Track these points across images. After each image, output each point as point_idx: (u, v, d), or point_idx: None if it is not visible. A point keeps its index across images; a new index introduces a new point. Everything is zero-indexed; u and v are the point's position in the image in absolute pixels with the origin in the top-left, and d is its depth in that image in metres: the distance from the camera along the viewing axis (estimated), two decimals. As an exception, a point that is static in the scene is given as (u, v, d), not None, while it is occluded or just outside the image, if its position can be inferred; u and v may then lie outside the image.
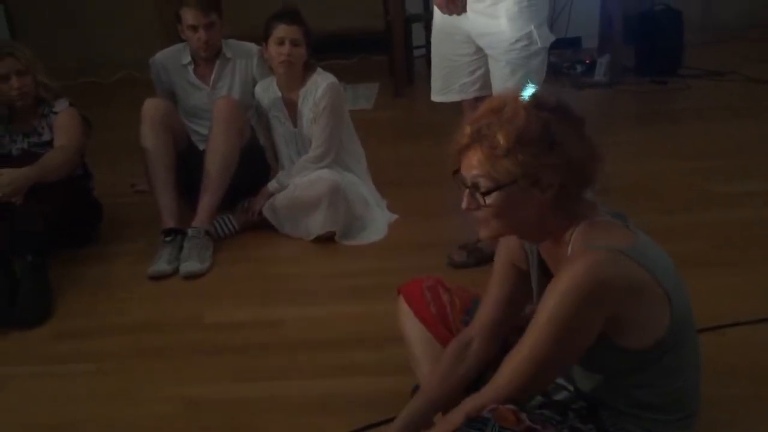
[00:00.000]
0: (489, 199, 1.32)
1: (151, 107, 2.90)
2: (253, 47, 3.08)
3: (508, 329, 1.56)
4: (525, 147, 1.27)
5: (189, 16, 2.94)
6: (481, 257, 2.57)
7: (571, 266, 1.27)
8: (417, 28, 4.86)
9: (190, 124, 3.10)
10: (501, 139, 1.28)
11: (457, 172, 1.37)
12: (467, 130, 1.33)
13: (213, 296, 2.56)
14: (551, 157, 1.28)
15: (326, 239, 2.82)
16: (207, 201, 2.82)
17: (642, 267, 1.28)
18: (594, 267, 1.25)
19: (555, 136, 1.29)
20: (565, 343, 1.29)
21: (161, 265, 2.64)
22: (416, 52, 4.91)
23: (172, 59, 3.11)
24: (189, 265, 2.64)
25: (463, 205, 1.36)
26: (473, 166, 1.32)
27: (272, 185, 2.94)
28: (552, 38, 2.33)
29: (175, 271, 2.65)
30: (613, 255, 1.27)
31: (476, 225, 1.38)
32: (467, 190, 1.34)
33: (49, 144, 2.77)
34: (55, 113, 2.80)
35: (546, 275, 1.45)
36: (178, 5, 3.00)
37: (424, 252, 2.69)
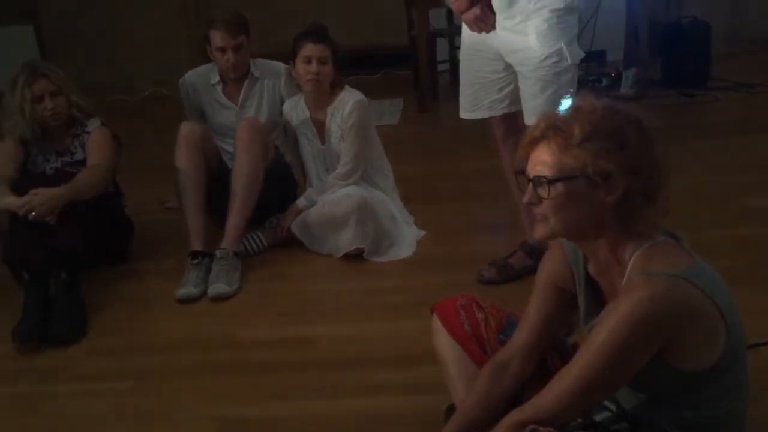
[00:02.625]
0: (553, 191, 1.31)
1: (188, 131, 2.93)
2: (281, 66, 3.11)
3: (546, 350, 1.56)
4: (597, 140, 1.29)
5: (218, 38, 2.97)
6: (511, 274, 2.56)
7: (633, 294, 1.26)
8: (441, 43, 4.87)
9: (219, 143, 3.13)
10: (576, 129, 1.30)
11: (521, 173, 1.38)
12: (542, 123, 1.34)
13: (244, 314, 2.57)
14: (620, 157, 1.29)
15: (355, 256, 2.83)
16: (234, 222, 2.83)
17: (701, 291, 1.27)
18: (656, 297, 1.24)
19: (628, 139, 1.30)
20: (617, 369, 1.28)
21: (189, 288, 2.65)
22: (440, 67, 4.92)
23: (201, 79, 3.15)
24: (217, 288, 2.65)
25: (525, 198, 1.37)
26: (542, 158, 1.33)
27: (301, 202, 2.96)
28: (582, 54, 2.33)
29: (203, 294, 2.65)
30: (674, 282, 1.27)
31: (535, 223, 1.39)
32: (530, 184, 1.35)
33: (82, 163, 2.81)
34: (88, 133, 2.84)
35: (595, 296, 1.44)
36: (207, 27, 3.04)
37: (454, 268, 2.68)
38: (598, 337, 1.27)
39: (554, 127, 1.32)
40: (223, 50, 2.98)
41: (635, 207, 1.31)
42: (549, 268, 1.52)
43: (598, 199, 1.31)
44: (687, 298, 1.26)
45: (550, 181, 1.31)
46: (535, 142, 1.35)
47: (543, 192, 1.32)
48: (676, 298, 1.26)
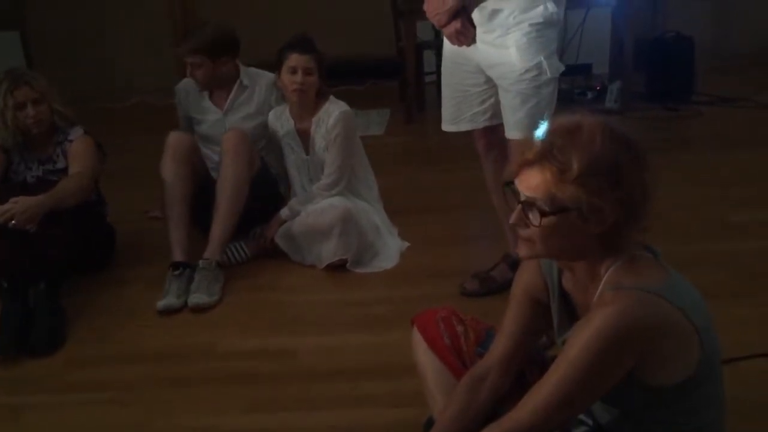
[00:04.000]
0: (544, 221, 1.29)
1: (175, 141, 2.93)
2: (271, 76, 3.10)
3: (524, 362, 1.56)
4: (594, 177, 1.26)
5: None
6: (494, 286, 2.57)
7: (604, 309, 1.26)
8: (428, 55, 4.89)
9: (205, 150, 3.13)
10: (575, 164, 1.26)
11: (509, 183, 1.35)
12: (537, 146, 1.30)
13: (226, 325, 2.56)
14: (615, 193, 1.27)
15: (338, 267, 2.82)
16: (218, 232, 2.82)
17: (674, 306, 1.27)
18: (627, 311, 1.25)
19: (623, 172, 1.27)
20: (591, 383, 1.28)
21: (170, 299, 2.64)
22: (427, 78, 4.94)
23: (193, 84, 3.16)
24: (197, 297, 2.63)
25: (512, 219, 1.34)
26: (535, 184, 1.29)
27: (284, 212, 2.95)
28: (562, 68, 2.34)
29: (184, 305, 2.64)
30: (645, 297, 1.27)
31: (519, 241, 1.37)
32: (520, 206, 1.33)
33: (64, 171, 2.80)
34: (70, 141, 2.83)
35: (568, 309, 1.44)
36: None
37: (436, 280, 2.69)
38: (571, 351, 1.28)
39: (551, 155, 1.28)
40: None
41: (621, 234, 1.31)
42: (524, 279, 1.52)
43: (587, 231, 1.30)
44: (657, 313, 1.26)
45: (543, 213, 1.29)
46: (528, 164, 1.31)
47: (533, 218, 1.31)
48: (647, 313, 1.26)
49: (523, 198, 1.32)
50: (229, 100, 3.10)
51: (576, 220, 1.29)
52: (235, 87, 3.10)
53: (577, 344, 1.27)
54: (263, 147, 3.13)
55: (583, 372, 1.26)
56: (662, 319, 1.27)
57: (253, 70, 3.15)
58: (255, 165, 2.99)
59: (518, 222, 1.34)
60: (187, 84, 3.17)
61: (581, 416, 1.45)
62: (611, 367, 1.27)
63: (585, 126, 1.30)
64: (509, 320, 1.53)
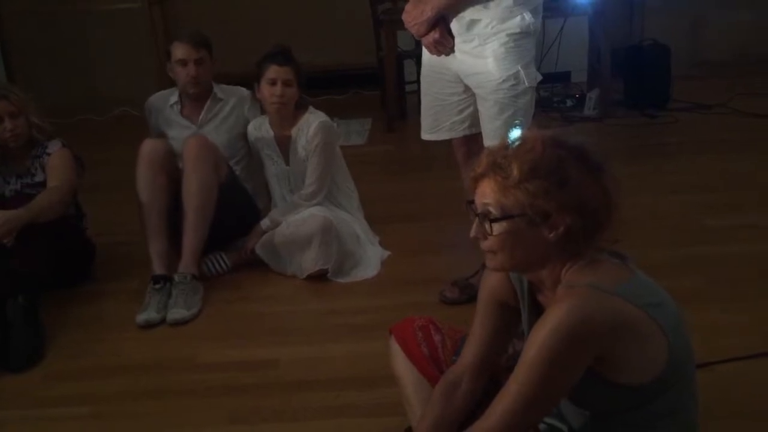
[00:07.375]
0: (496, 229, 1.33)
1: (150, 149, 2.88)
2: (244, 91, 3.10)
3: (497, 367, 1.57)
4: (536, 180, 1.29)
5: (179, 50, 2.97)
6: (473, 293, 2.56)
7: (555, 306, 1.28)
8: (409, 64, 4.92)
9: (180, 164, 3.11)
10: (514, 169, 1.30)
11: (471, 202, 1.39)
12: (484, 159, 1.36)
13: (206, 336, 2.55)
14: (561, 195, 1.29)
15: (319, 276, 2.82)
16: (189, 244, 2.78)
17: (632, 304, 1.28)
18: (576, 306, 1.26)
19: (568, 175, 1.30)
20: (551, 382, 1.29)
21: (150, 313, 2.61)
22: (408, 88, 4.96)
23: (162, 100, 3.13)
24: (175, 313, 2.61)
25: (471, 233, 1.38)
26: (485, 194, 1.34)
27: (265, 223, 2.95)
28: (539, 77, 2.36)
29: (164, 319, 2.61)
30: (596, 293, 1.28)
31: (485, 254, 1.40)
32: (476, 219, 1.36)
33: (42, 185, 2.78)
34: (48, 154, 2.82)
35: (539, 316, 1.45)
36: (171, 43, 3.04)
37: (417, 288, 2.70)
38: (530, 353, 1.28)
39: (495, 165, 1.33)
40: (184, 63, 2.96)
41: (579, 240, 1.33)
42: (490, 283, 1.53)
43: (541, 236, 1.32)
44: (611, 308, 1.27)
45: (492, 220, 1.33)
46: (479, 178, 1.36)
47: (487, 228, 1.34)
48: (598, 307, 1.27)
49: (478, 211, 1.35)
50: (204, 112, 3.07)
51: (526, 225, 1.31)
52: (210, 99, 3.07)
53: (532, 345, 1.28)
54: (241, 159, 3.12)
55: (542, 371, 1.26)
56: (616, 315, 1.27)
57: (224, 86, 3.14)
58: (222, 171, 2.92)
59: (477, 234, 1.37)
60: (156, 100, 3.14)
61: (556, 423, 1.46)
62: (568, 363, 1.27)
63: (527, 138, 1.35)
64: (477, 324, 1.55)
